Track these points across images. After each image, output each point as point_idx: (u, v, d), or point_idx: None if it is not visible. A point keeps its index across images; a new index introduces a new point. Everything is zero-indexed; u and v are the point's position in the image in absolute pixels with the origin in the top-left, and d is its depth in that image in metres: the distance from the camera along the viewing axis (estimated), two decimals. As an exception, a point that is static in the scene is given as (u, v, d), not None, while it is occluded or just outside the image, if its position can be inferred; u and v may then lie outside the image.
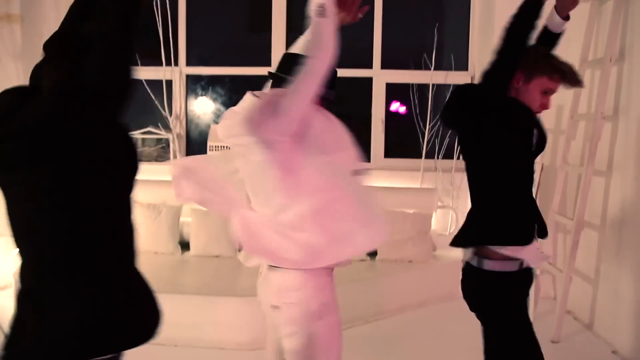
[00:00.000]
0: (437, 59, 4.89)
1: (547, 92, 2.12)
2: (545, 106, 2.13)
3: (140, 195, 4.73)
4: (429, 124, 4.88)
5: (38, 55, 4.82)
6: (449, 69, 4.96)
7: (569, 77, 2.10)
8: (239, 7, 5.59)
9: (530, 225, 2.08)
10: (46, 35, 5.04)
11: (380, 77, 5.11)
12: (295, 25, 5.15)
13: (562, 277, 3.93)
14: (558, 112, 4.53)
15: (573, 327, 4.13)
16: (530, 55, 2.09)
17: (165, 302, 1.63)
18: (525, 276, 2.08)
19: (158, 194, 4.68)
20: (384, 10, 5.03)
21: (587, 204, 3.84)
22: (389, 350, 3.65)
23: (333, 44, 1.70)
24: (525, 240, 2.03)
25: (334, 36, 1.70)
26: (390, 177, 4.85)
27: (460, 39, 5.13)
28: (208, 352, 3.55)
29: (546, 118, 4.30)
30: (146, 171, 5.41)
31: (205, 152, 4.76)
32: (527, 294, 2.15)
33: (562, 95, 4.40)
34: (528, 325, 2.11)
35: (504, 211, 2.05)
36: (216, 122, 5.17)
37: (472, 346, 2.43)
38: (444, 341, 3.73)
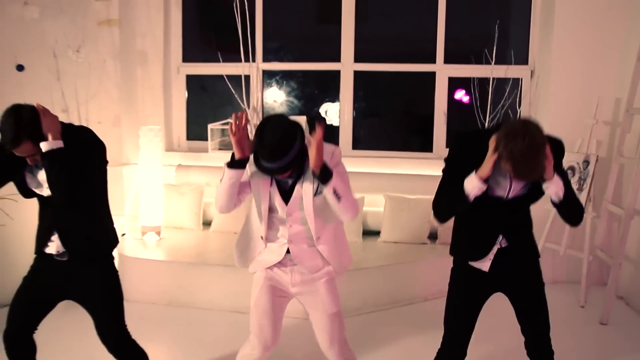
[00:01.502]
0: (497, 53, 5.11)
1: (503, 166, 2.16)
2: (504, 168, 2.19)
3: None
4: (489, 116, 5.13)
5: (133, 55, 5.63)
6: (509, 63, 5.17)
7: (516, 170, 2.13)
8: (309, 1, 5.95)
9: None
10: (139, 37, 5.73)
11: (443, 72, 5.39)
12: (363, 17, 5.50)
13: (612, 262, 4.15)
14: (616, 105, 4.69)
15: (624, 312, 4.35)
16: (501, 129, 2.17)
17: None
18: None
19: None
20: (447, 5, 5.28)
21: (640, 194, 4.04)
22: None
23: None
24: None
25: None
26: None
27: (520, 33, 5.32)
28: (226, 315, 4.13)
29: (604, 111, 4.54)
30: (226, 159, 6.05)
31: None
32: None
33: (620, 89, 4.59)
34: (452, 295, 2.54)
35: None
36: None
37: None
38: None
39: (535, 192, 2.37)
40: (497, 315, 3.00)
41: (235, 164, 2.38)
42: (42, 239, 2.49)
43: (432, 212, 2.45)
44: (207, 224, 5.27)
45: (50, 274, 2.49)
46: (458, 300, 2.52)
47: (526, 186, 2.36)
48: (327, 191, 2.32)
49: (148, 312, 4.17)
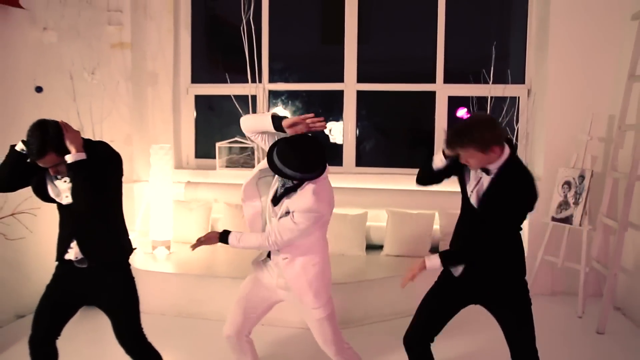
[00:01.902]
0: (495, 72, 5.29)
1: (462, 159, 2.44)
2: (472, 167, 2.48)
3: (228, 197, 5.44)
4: (488, 133, 5.30)
5: (144, 76, 5.87)
6: (506, 82, 5.36)
7: (450, 144, 2.44)
8: (314, 22, 6.16)
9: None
10: (150, 59, 5.95)
11: (443, 91, 5.58)
12: (365, 38, 5.70)
13: (608, 273, 4.28)
14: (610, 121, 4.86)
15: (621, 323, 4.47)
16: None
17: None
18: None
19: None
20: (446, 27, 5.49)
21: (633, 207, 4.19)
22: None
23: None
24: None
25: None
26: (453, 183, 5.29)
27: (517, 53, 5.51)
28: None
29: (598, 128, 4.70)
30: (234, 176, 6.21)
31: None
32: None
33: (613, 106, 4.76)
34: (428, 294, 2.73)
35: None
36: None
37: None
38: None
39: (498, 204, 2.44)
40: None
41: (277, 123, 2.65)
42: (62, 246, 2.65)
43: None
44: (215, 239, 5.42)
45: (71, 281, 2.65)
46: (431, 295, 2.70)
47: (485, 199, 2.49)
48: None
49: (158, 323, 4.29)
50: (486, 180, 2.46)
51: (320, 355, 3.02)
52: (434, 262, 2.52)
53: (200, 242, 2.74)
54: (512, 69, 5.43)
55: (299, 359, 3.78)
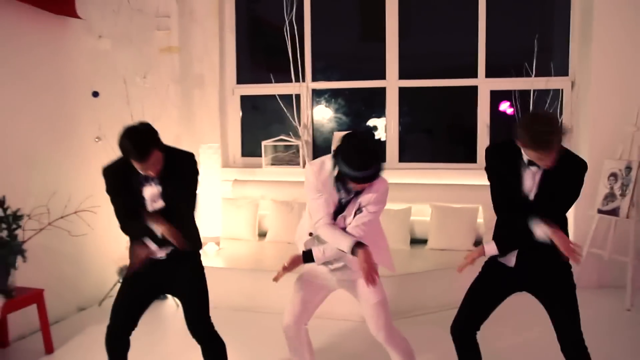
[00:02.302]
0: (538, 65, 5.28)
1: (540, 158, 2.41)
2: (545, 166, 2.45)
3: (275, 194, 5.60)
4: (531, 127, 5.29)
5: (191, 79, 6.10)
6: (549, 74, 5.34)
7: (535, 144, 2.36)
8: (353, 20, 6.26)
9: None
10: (197, 62, 6.17)
11: (485, 85, 5.60)
12: (406, 34, 5.77)
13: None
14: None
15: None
16: (517, 129, 2.44)
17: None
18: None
19: (290, 193, 5.52)
20: (487, 20, 5.51)
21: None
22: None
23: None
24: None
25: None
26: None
27: (560, 45, 5.48)
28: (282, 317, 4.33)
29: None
30: (279, 173, 6.39)
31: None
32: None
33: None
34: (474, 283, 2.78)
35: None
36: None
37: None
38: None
39: (554, 194, 2.52)
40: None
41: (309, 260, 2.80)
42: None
43: (495, 213, 2.71)
44: (262, 234, 5.60)
45: (149, 272, 2.83)
46: (479, 284, 2.75)
47: (545, 187, 2.54)
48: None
49: (212, 316, 4.49)
50: (539, 172, 2.53)
51: (374, 346, 3.12)
52: (491, 248, 2.61)
53: (285, 269, 2.83)
54: (555, 61, 5.40)
55: (353, 351, 3.89)
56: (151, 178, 2.71)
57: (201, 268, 2.94)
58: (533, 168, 2.53)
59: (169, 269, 2.84)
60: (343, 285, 2.95)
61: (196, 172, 2.84)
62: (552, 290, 2.64)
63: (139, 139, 2.56)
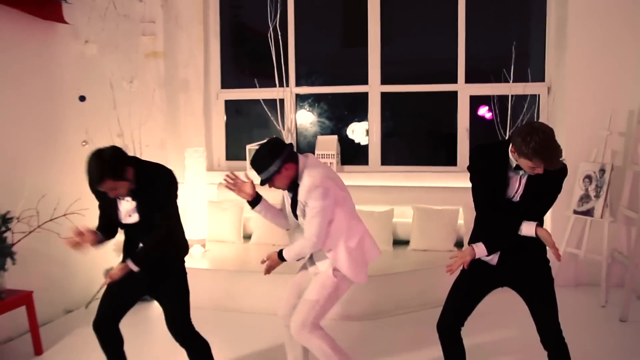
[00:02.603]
0: (515, 71, 5.45)
1: (533, 168, 2.52)
2: (535, 172, 2.54)
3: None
4: (509, 131, 5.46)
5: (176, 83, 6.15)
6: (526, 80, 5.51)
7: (536, 156, 2.44)
8: (336, 26, 6.38)
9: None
10: (182, 67, 6.22)
11: (465, 91, 5.76)
12: (388, 40, 5.90)
13: (629, 263, 4.42)
14: (630, 116, 4.98)
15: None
16: (515, 137, 2.52)
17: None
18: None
19: (275, 195, 5.57)
20: (467, 27, 5.68)
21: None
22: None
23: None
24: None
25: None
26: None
27: (537, 52, 5.66)
28: (267, 317, 4.47)
29: (617, 123, 4.83)
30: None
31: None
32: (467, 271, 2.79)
33: (633, 101, 4.89)
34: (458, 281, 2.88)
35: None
36: (321, 134, 6.02)
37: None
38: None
39: (539, 196, 2.66)
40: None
41: (251, 204, 3.08)
42: (128, 251, 2.95)
43: (478, 214, 2.81)
44: (247, 237, 5.68)
45: (132, 275, 2.89)
46: (462, 282, 2.86)
47: (530, 190, 2.66)
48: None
49: (196, 316, 4.51)
50: (525, 175, 2.65)
51: (359, 342, 3.21)
52: (481, 249, 2.70)
53: (269, 265, 3.08)
54: (532, 67, 5.58)
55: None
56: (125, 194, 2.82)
57: (184, 275, 3.03)
58: (520, 172, 2.64)
59: (153, 274, 2.94)
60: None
61: (171, 184, 2.92)
62: (532, 285, 2.76)
63: (94, 169, 2.66)
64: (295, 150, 2.99)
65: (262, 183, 2.89)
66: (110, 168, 2.67)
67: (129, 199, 2.84)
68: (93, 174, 2.66)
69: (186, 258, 3.10)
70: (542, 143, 2.42)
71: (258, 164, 2.86)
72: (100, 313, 2.95)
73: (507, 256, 2.75)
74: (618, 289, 4.80)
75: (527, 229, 2.61)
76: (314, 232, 2.86)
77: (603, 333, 4.16)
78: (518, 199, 2.68)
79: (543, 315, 2.73)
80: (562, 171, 2.65)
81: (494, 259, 2.77)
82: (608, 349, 3.87)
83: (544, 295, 2.74)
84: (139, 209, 2.85)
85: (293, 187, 2.93)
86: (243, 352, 3.90)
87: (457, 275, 2.91)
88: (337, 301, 3.09)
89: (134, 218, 2.86)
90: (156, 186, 2.85)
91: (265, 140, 2.99)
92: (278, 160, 2.82)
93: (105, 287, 2.94)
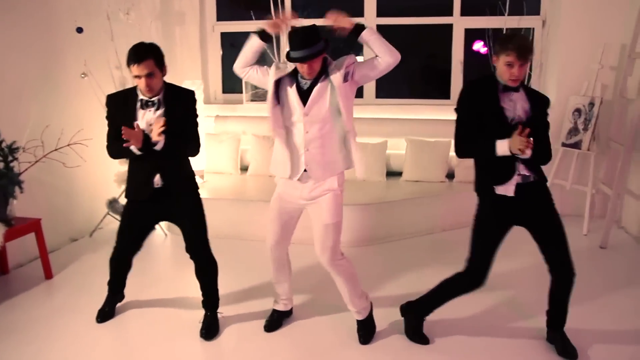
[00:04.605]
0: (511, 4, 5.44)
1: (509, 65, 2.66)
2: (512, 75, 2.67)
3: (256, 129, 5.79)
4: (503, 64, 5.51)
5: (172, 16, 6.14)
6: (522, 14, 5.52)
7: (515, 47, 2.62)
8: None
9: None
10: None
11: (460, 24, 5.76)
12: (385, 11, 5.86)
13: (612, 192, 4.61)
14: (622, 51, 5.05)
15: (624, 239, 4.82)
16: (495, 46, 2.77)
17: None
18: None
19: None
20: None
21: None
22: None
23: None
24: None
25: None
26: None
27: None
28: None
29: (609, 57, 4.90)
30: (260, 109, 6.47)
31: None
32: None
33: (626, 36, 4.94)
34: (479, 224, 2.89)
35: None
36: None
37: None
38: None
39: (534, 118, 2.75)
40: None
41: (263, 35, 2.91)
42: (144, 176, 3.03)
43: (455, 150, 2.87)
44: (244, 168, 5.83)
45: (151, 202, 3.06)
46: (485, 227, 2.85)
47: (527, 111, 2.76)
48: (368, 36, 2.95)
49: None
50: (519, 97, 2.75)
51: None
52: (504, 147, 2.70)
53: (338, 17, 3.01)
54: (528, 0, 5.57)
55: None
56: (151, 103, 2.91)
57: (200, 199, 3.19)
58: (510, 92, 2.73)
59: (170, 199, 3.07)
60: (308, 205, 3.03)
61: (196, 104, 3.09)
62: (546, 212, 2.83)
63: (141, 47, 2.85)
64: None
65: (305, 59, 2.75)
66: (156, 50, 2.91)
67: (154, 108, 2.93)
68: (140, 48, 2.85)
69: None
70: (515, 33, 2.79)
71: (306, 39, 2.75)
72: (118, 248, 3.16)
73: (521, 188, 2.77)
74: (600, 220, 5.02)
75: (501, 146, 2.67)
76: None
77: (584, 259, 4.37)
78: (523, 118, 2.73)
79: (555, 242, 2.83)
80: (545, 99, 2.83)
81: (510, 189, 2.77)
82: (590, 272, 4.09)
83: (556, 221, 2.83)
84: (167, 114, 2.93)
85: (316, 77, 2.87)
86: (242, 276, 4.10)
87: (476, 217, 2.89)
88: None
89: (160, 145, 2.90)
90: (187, 101, 3.04)
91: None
92: (322, 42, 2.82)
93: (108, 214, 3.11)
